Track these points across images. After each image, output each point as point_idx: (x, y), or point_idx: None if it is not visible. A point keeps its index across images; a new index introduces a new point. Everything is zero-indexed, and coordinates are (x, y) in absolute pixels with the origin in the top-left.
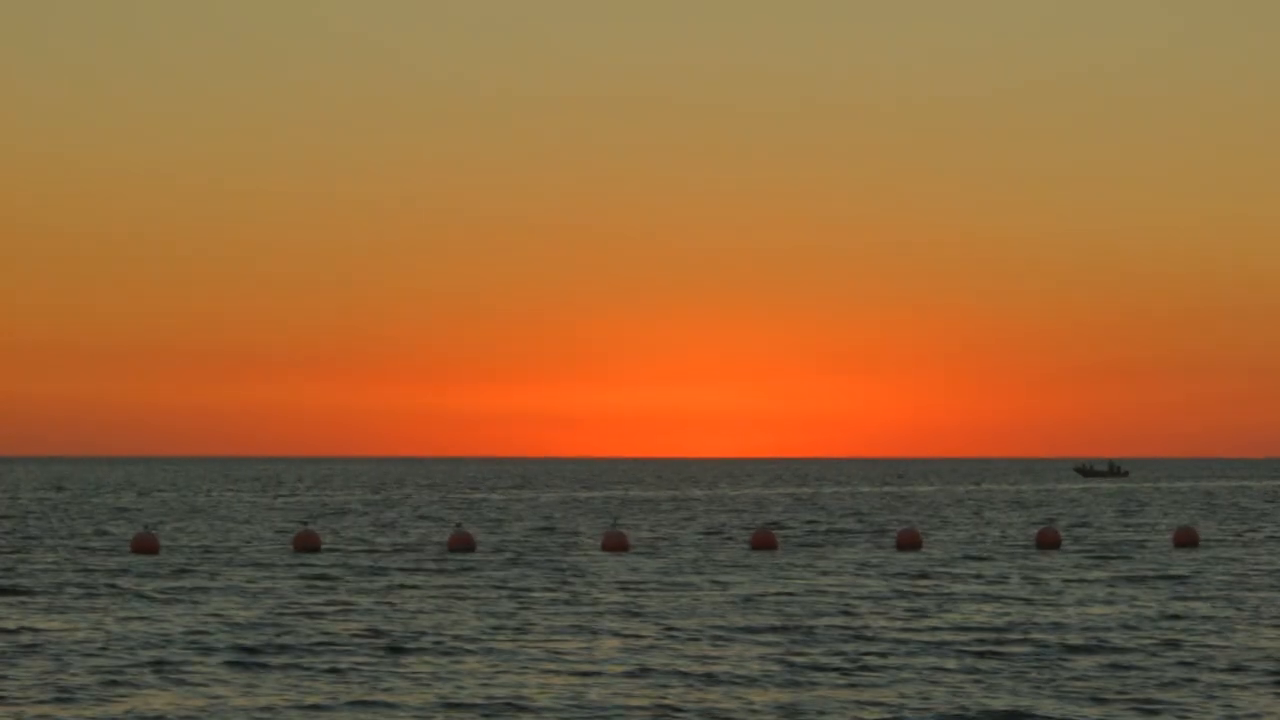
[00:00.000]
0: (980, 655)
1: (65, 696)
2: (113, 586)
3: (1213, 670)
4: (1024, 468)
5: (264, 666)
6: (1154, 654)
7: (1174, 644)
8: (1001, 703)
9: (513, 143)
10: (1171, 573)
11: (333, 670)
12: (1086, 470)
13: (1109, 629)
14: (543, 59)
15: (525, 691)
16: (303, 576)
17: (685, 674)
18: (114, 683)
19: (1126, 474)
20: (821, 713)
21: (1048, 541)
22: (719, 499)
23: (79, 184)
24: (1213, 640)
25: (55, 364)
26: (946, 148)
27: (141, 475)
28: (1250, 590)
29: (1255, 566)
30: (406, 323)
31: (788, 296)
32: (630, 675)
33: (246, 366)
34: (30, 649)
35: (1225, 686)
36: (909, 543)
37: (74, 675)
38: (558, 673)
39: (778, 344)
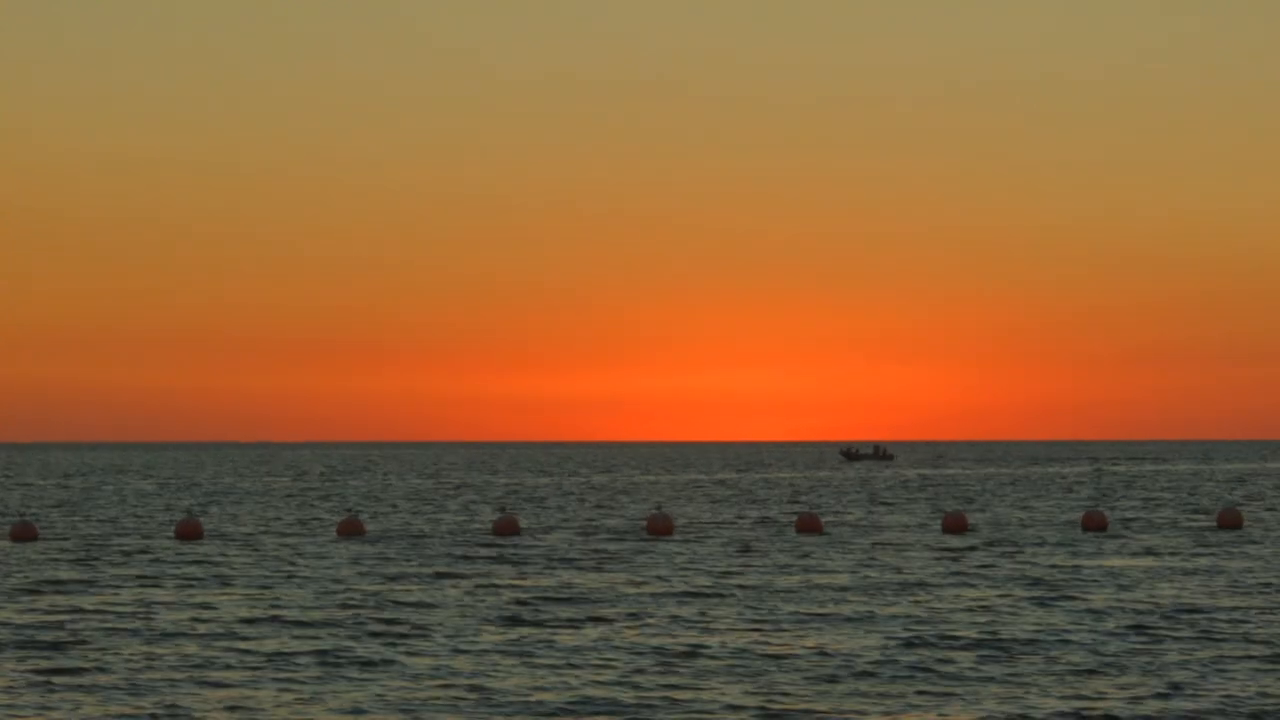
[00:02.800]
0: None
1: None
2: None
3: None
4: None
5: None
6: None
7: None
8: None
9: (560, 130)
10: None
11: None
12: (852, 454)
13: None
14: (591, 47)
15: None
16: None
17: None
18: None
19: (892, 457)
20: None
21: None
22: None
23: (128, 176)
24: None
25: (96, 351)
26: (988, 135)
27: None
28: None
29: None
30: (447, 309)
31: (830, 282)
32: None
33: (295, 353)
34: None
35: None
36: (955, 526)
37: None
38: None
39: (820, 329)
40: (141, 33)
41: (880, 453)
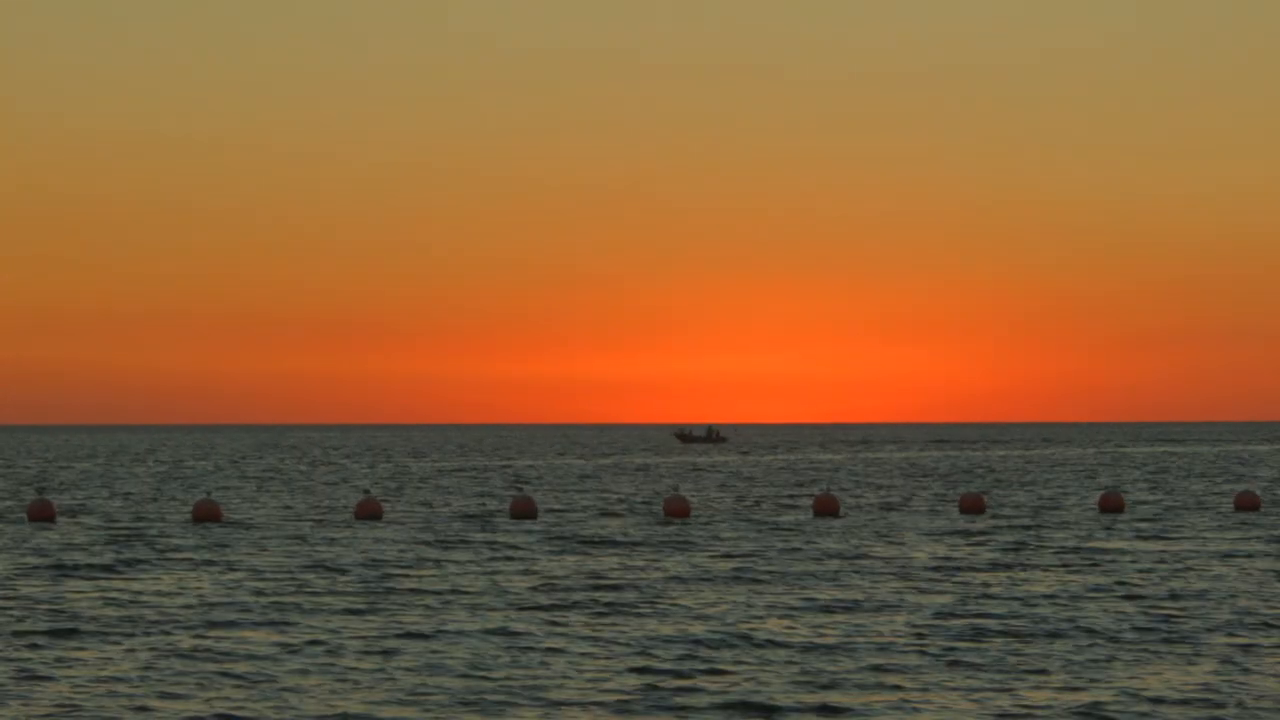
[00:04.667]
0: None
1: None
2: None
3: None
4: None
5: None
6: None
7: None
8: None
9: (583, 112)
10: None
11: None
12: (685, 436)
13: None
14: (620, 28)
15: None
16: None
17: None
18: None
19: (724, 440)
20: None
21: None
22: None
23: (170, 158)
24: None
25: (151, 334)
26: (1000, 115)
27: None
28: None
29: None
30: (472, 292)
31: (844, 265)
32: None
33: (331, 335)
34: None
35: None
36: (972, 507)
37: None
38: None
39: (835, 311)
40: (155, 12)
41: (713, 435)
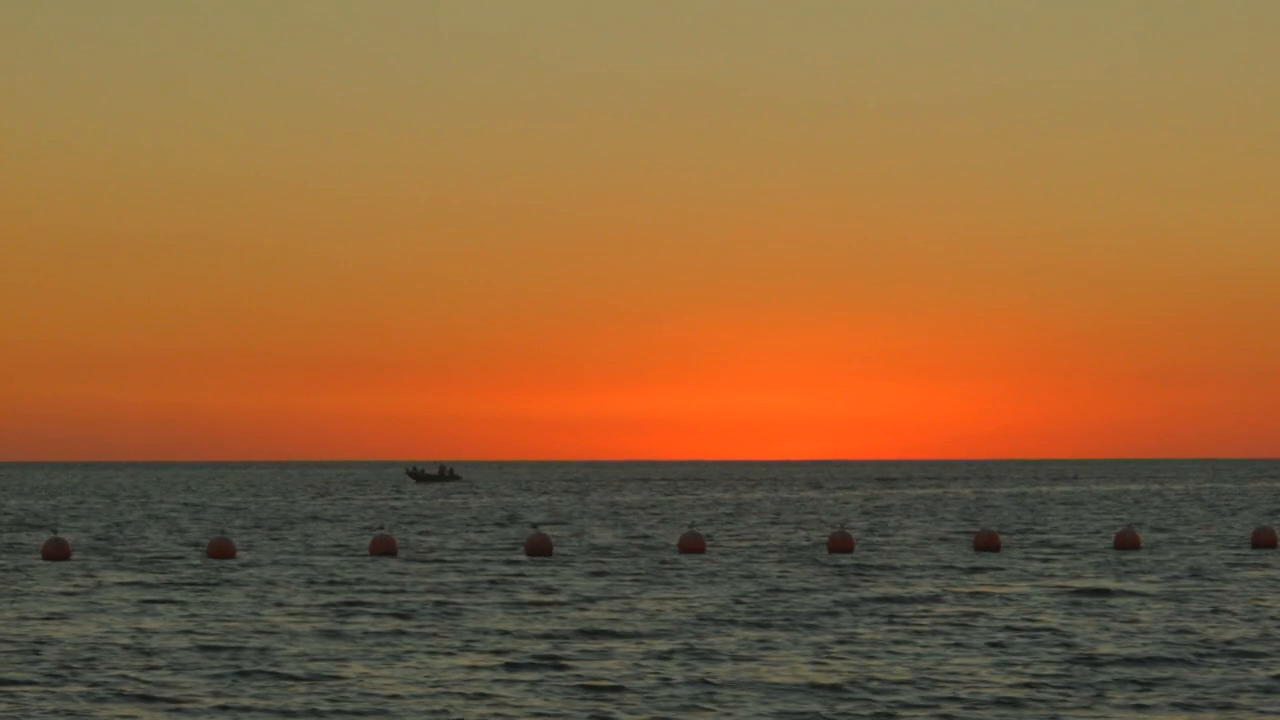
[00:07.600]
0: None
1: None
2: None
3: None
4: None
5: None
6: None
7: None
8: None
9: (602, 144)
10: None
11: None
12: (418, 474)
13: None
14: (651, 62)
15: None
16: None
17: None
18: None
19: (459, 478)
20: None
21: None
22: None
23: (191, 192)
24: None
25: (148, 370)
26: (1000, 150)
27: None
28: None
29: None
30: (487, 329)
31: (847, 301)
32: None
33: (360, 372)
34: None
35: None
36: (988, 544)
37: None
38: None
39: (836, 348)
40: (157, 40)
41: (446, 473)
